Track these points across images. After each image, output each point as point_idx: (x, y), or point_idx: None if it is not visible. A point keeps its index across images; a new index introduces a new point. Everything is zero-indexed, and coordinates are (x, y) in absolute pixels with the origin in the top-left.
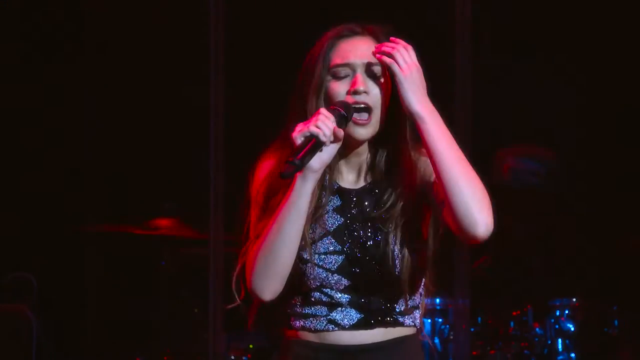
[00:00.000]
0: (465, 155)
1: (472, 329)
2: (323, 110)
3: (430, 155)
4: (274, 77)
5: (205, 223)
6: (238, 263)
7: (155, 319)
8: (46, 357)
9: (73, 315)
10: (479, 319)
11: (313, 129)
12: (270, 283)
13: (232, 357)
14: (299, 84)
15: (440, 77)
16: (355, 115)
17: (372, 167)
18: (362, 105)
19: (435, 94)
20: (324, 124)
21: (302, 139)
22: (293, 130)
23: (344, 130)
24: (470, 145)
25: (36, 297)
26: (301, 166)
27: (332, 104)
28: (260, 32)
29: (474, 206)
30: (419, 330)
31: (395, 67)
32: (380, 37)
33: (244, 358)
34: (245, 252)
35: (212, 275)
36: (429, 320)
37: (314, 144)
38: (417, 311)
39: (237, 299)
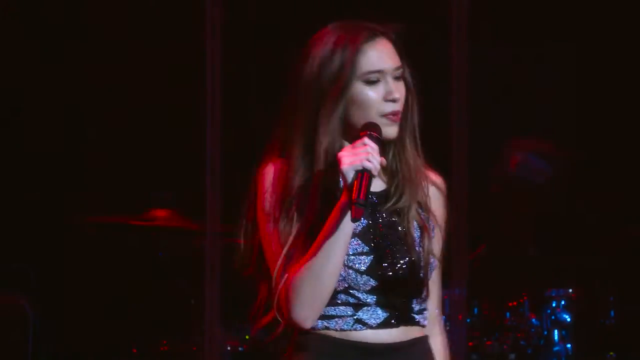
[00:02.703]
0: (461, 147)
1: (468, 320)
2: (368, 141)
3: None
4: (272, 68)
5: (202, 214)
6: (275, 285)
7: (152, 310)
8: (43, 349)
9: (70, 306)
10: (475, 309)
11: (366, 164)
12: (314, 312)
13: (229, 348)
14: (307, 86)
15: (436, 68)
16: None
17: (390, 168)
18: (397, 110)
19: (432, 86)
20: (374, 157)
21: (353, 172)
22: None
23: None
24: (467, 137)
25: (33, 288)
26: (367, 205)
27: (363, 128)
28: (259, 25)
29: None
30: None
31: None
32: (393, 38)
33: (240, 349)
34: (280, 275)
35: (209, 266)
36: None
37: (369, 179)
38: (427, 311)
39: (277, 330)
